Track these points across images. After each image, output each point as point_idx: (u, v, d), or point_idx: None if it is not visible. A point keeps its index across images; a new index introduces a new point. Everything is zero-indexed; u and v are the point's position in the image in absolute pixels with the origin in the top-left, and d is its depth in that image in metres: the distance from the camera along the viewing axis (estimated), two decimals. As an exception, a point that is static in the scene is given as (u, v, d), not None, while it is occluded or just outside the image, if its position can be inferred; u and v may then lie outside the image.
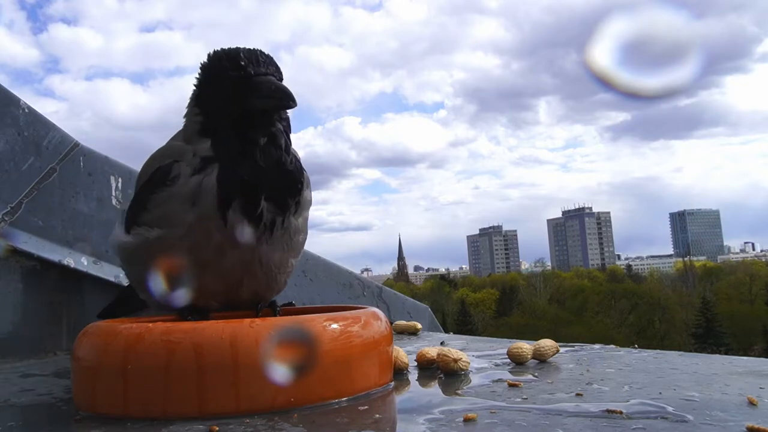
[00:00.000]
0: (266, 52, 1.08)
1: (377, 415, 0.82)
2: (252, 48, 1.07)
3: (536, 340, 1.23)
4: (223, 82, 1.04)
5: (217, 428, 0.77)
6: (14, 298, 1.68)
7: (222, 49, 1.08)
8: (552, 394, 0.89)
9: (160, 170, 1.08)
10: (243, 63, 1.03)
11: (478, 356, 1.28)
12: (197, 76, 1.11)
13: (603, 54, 0.93)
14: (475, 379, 1.03)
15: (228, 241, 1.04)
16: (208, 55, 1.09)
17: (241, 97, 1.03)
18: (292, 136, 1.10)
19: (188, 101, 1.14)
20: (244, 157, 1.03)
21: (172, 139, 1.16)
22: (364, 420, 0.79)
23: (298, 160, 1.11)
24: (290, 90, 1.03)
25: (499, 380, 1.00)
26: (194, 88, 1.12)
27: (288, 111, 1.10)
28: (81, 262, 1.77)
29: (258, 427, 0.77)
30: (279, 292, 1.21)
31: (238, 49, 1.06)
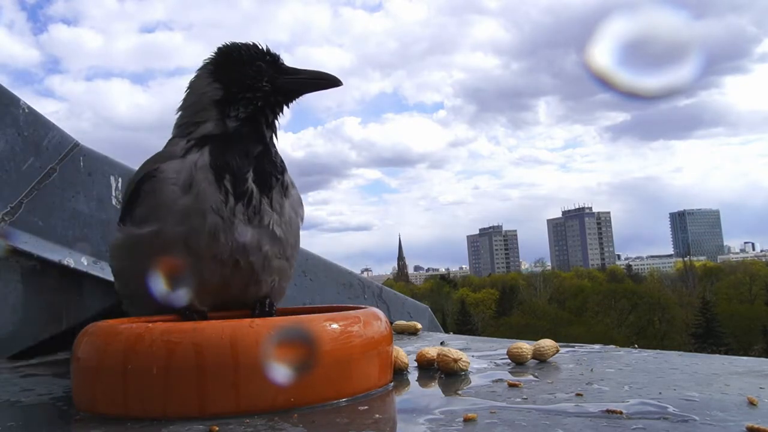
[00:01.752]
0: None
1: (377, 415, 0.82)
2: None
3: (536, 340, 1.23)
4: (253, 62, 1.15)
5: (217, 428, 0.77)
6: (14, 298, 1.68)
7: (243, 42, 1.19)
8: (552, 394, 0.89)
9: (149, 171, 1.11)
10: (272, 52, 1.18)
11: (478, 356, 1.28)
12: (213, 57, 1.18)
13: (602, 54, 0.93)
14: (475, 379, 1.03)
15: (222, 224, 1.05)
16: (230, 43, 1.19)
17: (274, 77, 1.15)
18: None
19: (195, 78, 1.19)
20: (237, 133, 1.11)
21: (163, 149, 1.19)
22: (364, 420, 0.79)
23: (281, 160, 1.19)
24: (331, 73, 1.17)
25: (499, 380, 1.00)
26: (209, 68, 1.17)
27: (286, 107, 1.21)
28: (81, 262, 1.76)
29: (258, 427, 0.77)
30: (278, 294, 1.21)
31: (255, 43, 1.19)
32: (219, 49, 1.19)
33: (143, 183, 1.10)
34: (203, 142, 1.10)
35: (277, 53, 1.18)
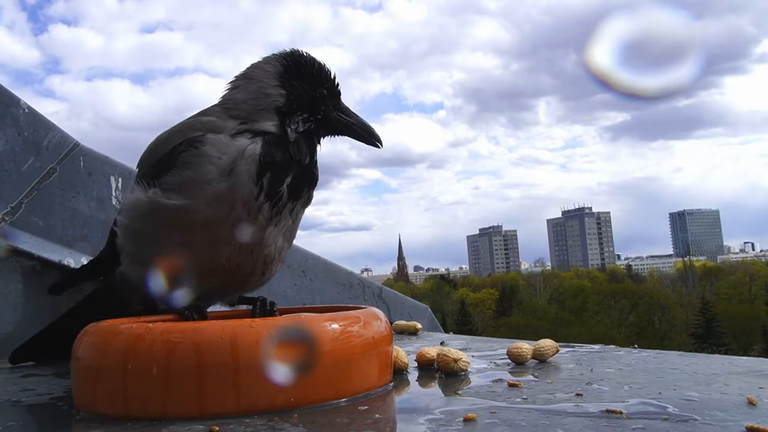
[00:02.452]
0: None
1: (377, 415, 0.82)
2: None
3: (536, 340, 1.23)
4: (317, 85, 1.16)
5: (217, 428, 0.77)
6: (14, 298, 1.68)
7: (308, 54, 1.19)
8: (552, 394, 0.89)
9: (189, 139, 1.08)
10: (335, 81, 1.19)
11: (478, 356, 1.28)
12: (285, 58, 1.17)
13: (602, 54, 0.93)
14: (475, 379, 1.03)
15: (247, 217, 1.07)
16: (305, 54, 1.18)
17: (329, 109, 1.17)
18: None
19: (255, 75, 1.16)
20: (296, 142, 1.12)
21: (203, 114, 1.16)
22: (364, 420, 0.79)
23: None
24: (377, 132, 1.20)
25: (499, 380, 1.00)
26: (278, 68, 1.15)
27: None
28: (81, 262, 1.76)
29: (258, 427, 0.77)
30: (267, 282, 1.23)
31: (324, 62, 1.20)
32: (293, 54, 1.18)
33: (182, 150, 1.08)
34: (258, 134, 1.09)
35: (339, 84, 1.19)
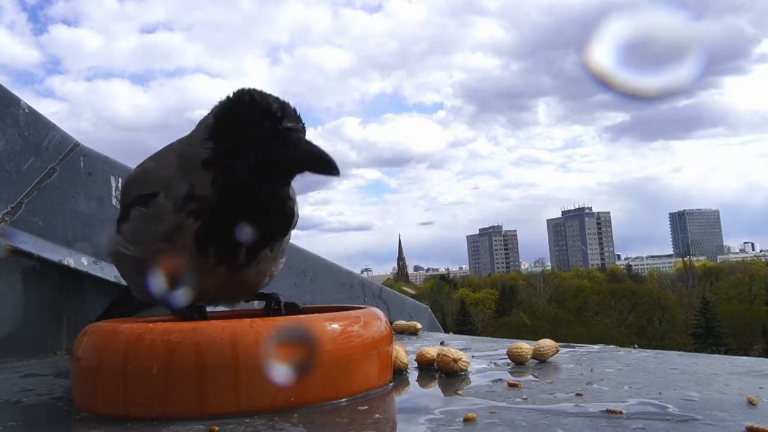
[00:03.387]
0: (293, 106, 1.04)
1: (377, 415, 0.82)
2: (282, 99, 1.04)
3: (536, 340, 1.23)
4: (250, 127, 1.01)
5: (217, 428, 0.77)
6: (14, 298, 1.68)
7: (250, 90, 1.04)
8: (552, 394, 0.89)
9: (141, 196, 1.08)
10: (277, 114, 1.01)
11: (478, 356, 1.28)
12: (216, 109, 1.06)
13: (602, 55, 0.93)
14: (475, 379, 1.03)
15: (204, 269, 1.05)
16: (235, 93, 1.06)
17: (269, 148, 1.00)
18: None
19: (197, 128, 1.08)
20: (246, 200, 1.02)
21: (168, 149, 1.13)
22: (364, 420, 0.79)
23: (293, 201, 1.11)
24: (333, 158, 1.00)
25: (499, 380, 1.00)
26: (210, 119, 1.06)
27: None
28: (81, 262, 1.77)
29: (258, 427, 0.77)
30: (271, 281, 1.22)
31: (268, 96, 1.04)
32: (226, 98, 1.07)
33: (135, 204, 1.08)
34: (197, 205, 1.03)
35: (284, 110, 1.02)
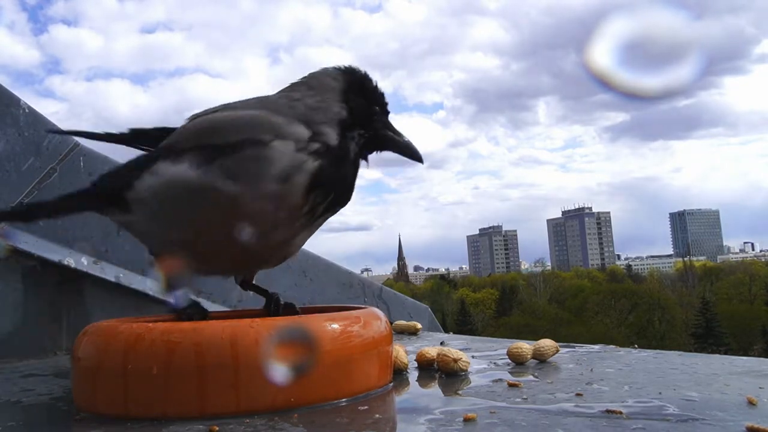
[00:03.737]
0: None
1: (377, 415, 0.82)
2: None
3: (536, 340, 1.23)
4: (372, 103, 1.20)
5: (217, 428, 0.77)
6: (14, 298, 1.68)
7: (365, 71, 1.22)
8: (552, 394, 0.89)
9: (260, 139, 1.06)
10: (385, 100, 1.23)
11: (478, 356, 1.28)
12: (346, 73, 1.20)
13: (602, 55, 0.93)
14: (475, 379, 1.03)
15: (287, 221, 1.09)
16: (364, 72, 1.22)
17: (379, 124, 1.20)
18: None
19: (319, 85, 1.18)
20: (348, 159, 1.15)
21: (267, 101, 1.17)
22: (364, 420, 0.79)
23: None
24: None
25: (499, 380, 1.00)
26: (339, 81, 1.18)
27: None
28: (81, 262, 1.77)
29: (258, 427, 0.77)
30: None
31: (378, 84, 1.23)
32: (353, 71, 1.22)
33: (249, 144, 1.07)
34: (322, 151, 1.10)
35: (388, 103, 1.23)
